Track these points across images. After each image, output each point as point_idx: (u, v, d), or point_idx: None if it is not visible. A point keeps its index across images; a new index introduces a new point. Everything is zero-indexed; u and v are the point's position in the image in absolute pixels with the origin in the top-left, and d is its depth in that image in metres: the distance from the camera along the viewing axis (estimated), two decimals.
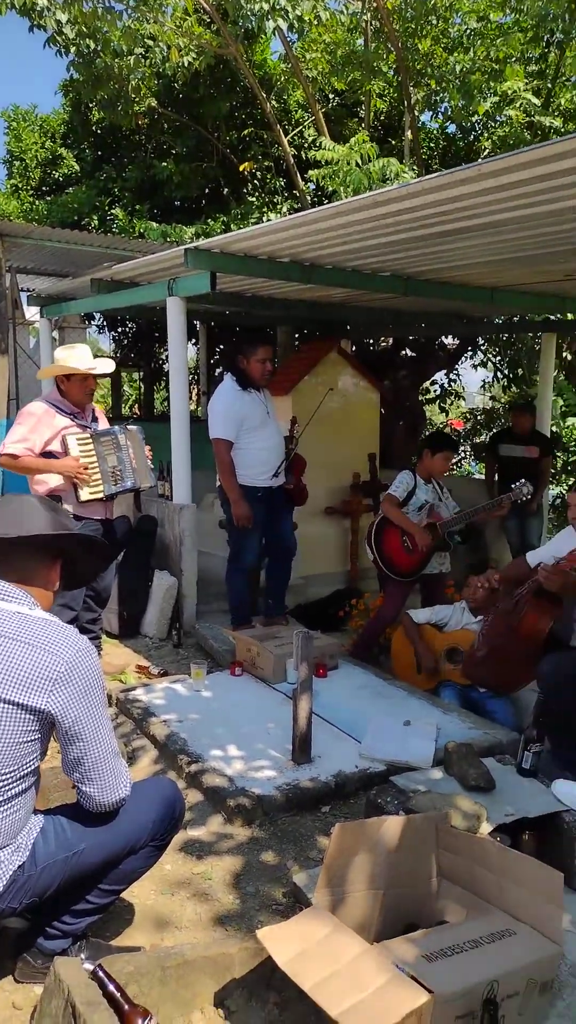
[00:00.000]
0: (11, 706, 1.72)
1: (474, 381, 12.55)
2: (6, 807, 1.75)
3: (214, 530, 5.83)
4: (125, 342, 13.17)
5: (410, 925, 1.97)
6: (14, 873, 1.78)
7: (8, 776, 1.74)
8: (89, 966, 1.86)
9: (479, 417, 11.74)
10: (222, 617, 5.02)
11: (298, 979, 1.60)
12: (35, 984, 1.95)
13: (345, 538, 6.29)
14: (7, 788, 1.75)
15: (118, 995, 1.66)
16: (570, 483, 8.08)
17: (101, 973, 1.69)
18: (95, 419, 4.10)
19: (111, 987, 1.67)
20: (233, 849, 2.63)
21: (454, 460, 12.44)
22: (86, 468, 3.81)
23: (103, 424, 4.13)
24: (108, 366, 3.98)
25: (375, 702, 3.72)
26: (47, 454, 3.82)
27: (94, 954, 1.98)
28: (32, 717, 1.74)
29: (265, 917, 2.28)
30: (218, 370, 12.19)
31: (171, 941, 2.17)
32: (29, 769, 1.79)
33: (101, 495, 3.91)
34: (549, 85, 7.83)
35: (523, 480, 4.35)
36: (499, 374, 11.09)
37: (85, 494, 3.84)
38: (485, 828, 2.26)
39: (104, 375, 4.08)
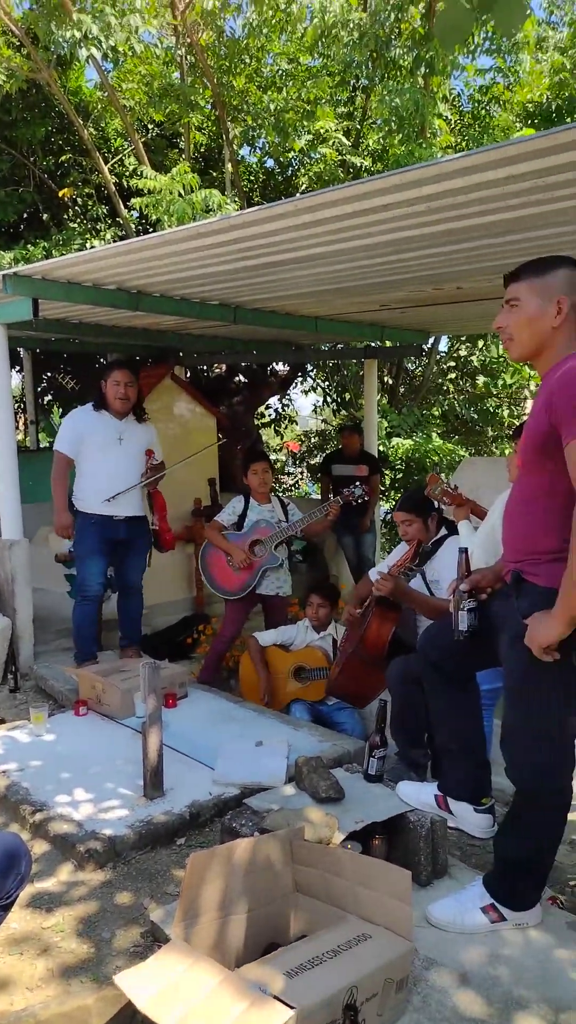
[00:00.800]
0: None
1: (306, 405, 13.01)
2: None
3: (50, 565, 5.61)
4: None
5: (271, 944, 1.99)
6: None
7: None
8: None
9: (312, 439, 12.15)
10: (64, 656, 4.83)
11: (159, 1019, 1.57)
12: None
13: (189, 564, 6.27)
14: None
15: None
16: (398, 499, 8.54)
17: None
18: None
19: None
20: (85, 896, 2.52)
21: (293, 482, 12.84)
22: None
23: None
24: None
25: (227, 727, 3.72)
26: None
27: None
28: None
29: (123, 961, 2.19)
30: (46, 398, 11.78)
31: (22, 1003, 2.04)
32: None
33: None
34: (358, 126, 8.33)
35: (356, 483, 4.45)
36: (328, 398, 11.57)
37: None
38: (339, 837, 2.32)
39: None
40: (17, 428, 12.68)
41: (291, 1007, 1.57)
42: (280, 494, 5.29)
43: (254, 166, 9.92)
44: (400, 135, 7.20)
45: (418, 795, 2.50)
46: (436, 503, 3.55)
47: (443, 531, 3.54)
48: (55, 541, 4.79)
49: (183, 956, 1.76)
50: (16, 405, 12.36)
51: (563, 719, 2.01)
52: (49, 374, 11.48)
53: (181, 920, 1.88)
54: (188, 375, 8.95)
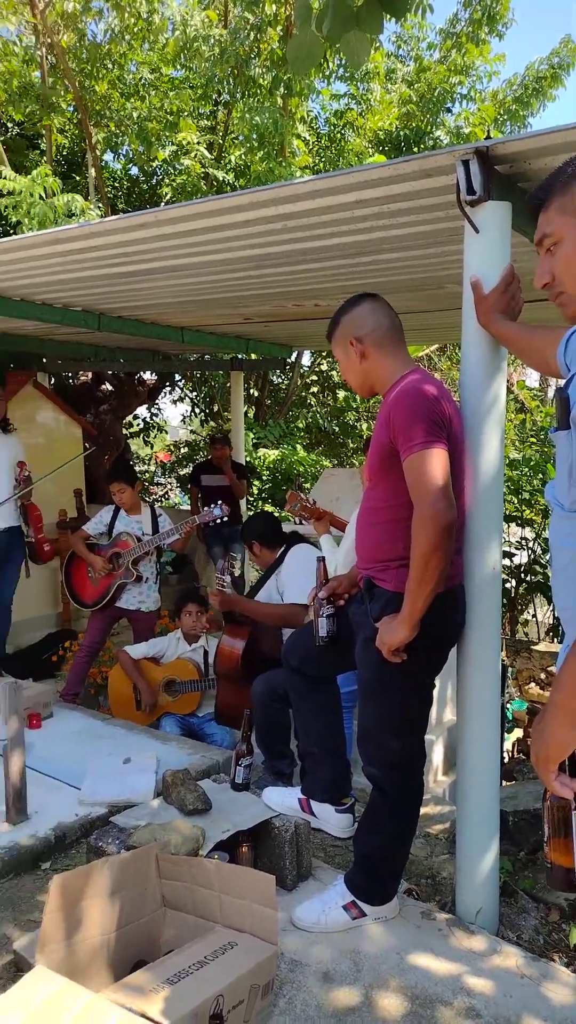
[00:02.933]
0: None
1: (176, 415, 12.93)
2: None
3: None
4: None
5: (139, 962, 1.97)
6: None
7: None
8: None
9: (183, 450, 12.10)
10: None
11: None
12: None
13: (55, 578, 6.08)
14: None
15: None
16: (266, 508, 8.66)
17: None
18: None
19: None
20: None
21: (163, 492, 12.71)
22: None
23: None
24: None
25: (94, 744, 3.64)
26: None
27: None
28: None
29: None
30: None
31: None
32: None
33: None
34: (221, 141, 8.41)
35: (218, 502, 4.41)
36: (196, 409, 11.57)
37: None
38: (207, 848, 2.34)
39: None
40: None
41: (158, 1023, 1.57)
42: (152, 504, 5.24)
43: (118, 173, 9.79)
44: (261, 152, 7.34)
45: (283, 800, 2.56)
46: (294, 519, 3.67)
47: (283, 548, 3.62)
48: None
49: (47, 982, 1.71)
50: None
51: (413, 717, 2.12)
52: None
53: (44, 945, 1.83)
54: (52, 382, 8.69)
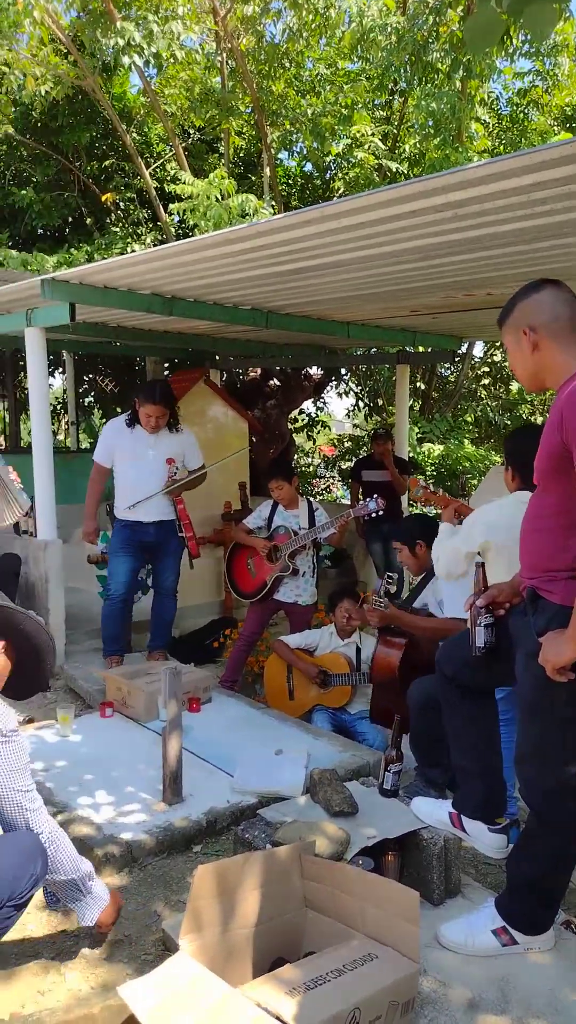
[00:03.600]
0: None
1: (341, 409, 12.98)
2: None
3: (83, 565, 5.68)
4: None
5: (278, 960, 1.98)
6: None
7: None
8: None
9: (346, 444, 12.11)
10: (94, 656, 4.89)
11: None
12: None
13: (218, 568, 6.29)
14: None
15: None
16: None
17: None
18: None
19: None
20: None
21: (324, 485, 12.80)
22: None
23: None
24: None
25: (248, 733, 3.73)
26: None
27: None
28: None
29: (134, 968, 2.21)
30: (87, 399, 11.94)
31: (33, 1006, 2.07)
32: None
33: None
34: (395, 131, 8.29)
35: (374, 496, 4.31)
36: (360, 403, 11.53)
37: None
38: (351, 852, 2.31)
39: None
40: (58, 429, 12.91)
41: None
42: (311, 498, 5.27)
43: (292, 170, 9.93)
44: (437, 139, 7.14)
45: (433, 812, 2.47)
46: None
47: None
48: (89, 543, 4.90)
49: (187, 969, 1.76)
50: (59, 407, 12.59)
51: None
52: (90, 376, 11.63)
53: (188, 931, 1.88)
54: (223, 378, 9.01)
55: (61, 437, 12.73)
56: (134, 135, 9.36)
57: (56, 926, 2.42)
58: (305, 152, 8.83)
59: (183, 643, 5.40)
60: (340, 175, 8.37)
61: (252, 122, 9.07)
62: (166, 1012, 1.61)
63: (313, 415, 11.47)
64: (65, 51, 8.43)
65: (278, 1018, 1.60)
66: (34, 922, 2.43)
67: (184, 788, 3.06)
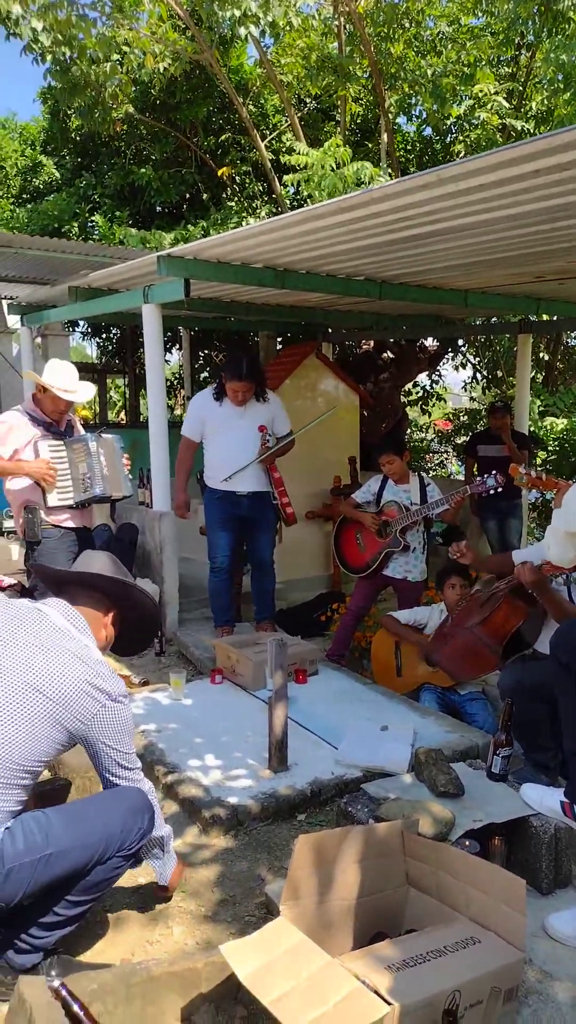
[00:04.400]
0: (54, 722, 1.94)
1: (457, 382, 12.61)
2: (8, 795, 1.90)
3: (197, 536, 5.84)
4: (109, 348, 13.16)
5: (378, 935, 1.98)
6: None
7: (34, 771, 1.95)
8: (56, 983, 1.85)
9: (462, 417, 11.78)
10: (206, 623, 5.02)
11: (259, 993, 1.60)
12: (3, 1002, 1.94)
13: (327, 542, 6.30)
14: (21, 780, 1.93)
15: (82, 1015, 1.65)
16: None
17: (65, 992, 1.68)
18: (71, 430, 4.11)
19: (75, 1007, 1.66)
20: (208, 860, 2.63)
21: (439, 460, 12.53)
22: (54, 471, 3.82)
23: (79, 432, 4.15)
24: (83, 396, 4.01)
25: (354, 707, 3.73)
26: (16, 462, 3.83)
27: (63, 971, 1.97)
28: (62, 733, 1.97)
29: (237, 928, 2.27)
30: (203, 375, 12.18)
31: (142, 955, 2.17)
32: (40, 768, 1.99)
33: (70, 501, 3.91)
34: (521, 87, 7.86)
35: (493, 472, 4.12)
36: (479, 375, 11.15)
37: (53, 499, 3.85)
38: (455, 834, 2.27)
39: (76, 402, 4.09)
40: (175, 404, 13.27)
41: (389, 1003, 1.56)
42: (423, 473, 5.17)
43: (411, 135, 9.64)
44: (567, 94, 6.71)
45: (543, 800, 2.39)
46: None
47: None
48: (180, 516, 4.97)
49: (288, 935, 1.79)
50: (175, 381, 12.93)
51: None
52: (205, 351, 11.85)
53: (289, 898, 1.91)
54: (336, 352, 8.93)
55: (178, 412, 13.07)
56: (250, 107, 9.35)
57: None
58: (425, 115, 8.54)
59: (290, 615, 5.46)
60: (461, 138, 8.05)
61: (370, 87, 8.85)
62: (267, 976, 1.64)
63: (428, 388, 11.21)
64: (183, 26, 8.50)
65: (376, 992, 1.59)
66: (144, 875, 2.53)
67: (289, 757, 3.10)
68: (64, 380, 3.89)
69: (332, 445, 6.40)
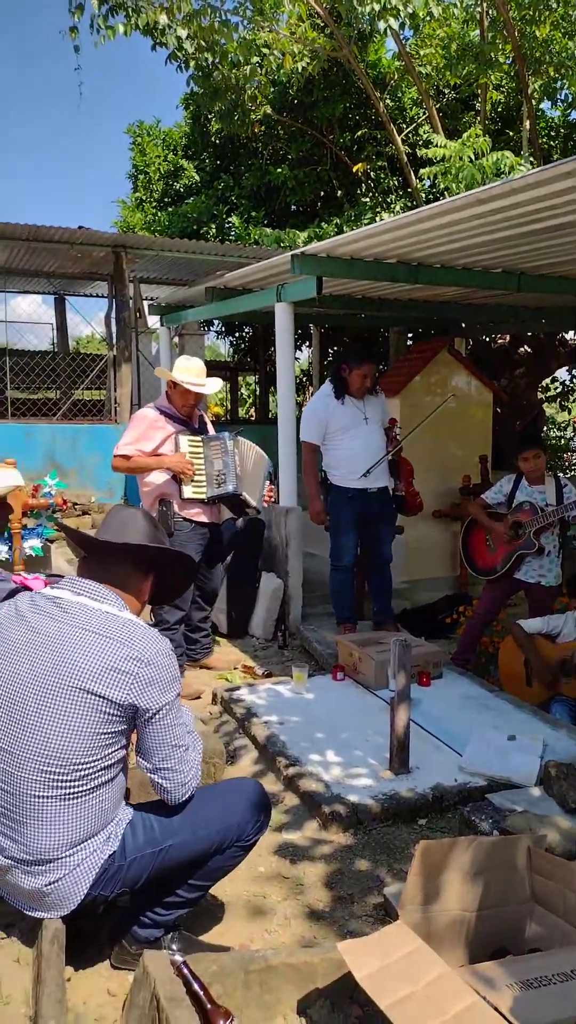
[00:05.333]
0: (91, 696, 1.82)
1: None
2: (95, 795, 1.86)
3: (321, 532, 5.87)
4: (242, 346, 13.46)
5: (499, 950, 1.91)
6: (105, 862, 1.87)
7: (93, 764, 1.84)
8: (178, 959, 1.92)
9: None
10: (328, 619, 5.04)
11: (375, 996, 1.59)
12: (129, 971, 2.03)
13: (454, 542, 6.16)
14: (94, 776, 1.85)
15: (201, 994, 1.70)
16: None
17: (186, 971, 1.74)
18: (203, 426, 4.23)
19: (195, 986, 1.71)
20: (327, 856, 2.64)
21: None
22: (192, 464, 3.95)
23: (211, 429, 4.26)
24: (213, 387, 4.12)
25: (479, 714, 3.63)
26: (157, 456, 3.98)
27: (184, 947, 2.04)
28: (111, 708, 1.83)
29: (354, 926, 2.27)
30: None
31: (259, 943, 2.21)
32: (114, 759, 1.88)
33: (203, 496, 4.02)
34: None
35: None
36: None
37: (188, 491, 3.97)
38: None
39: (206, 394, 4.22)
40: (303, 401, 13.39)
41: (511, 1022, 1.50)
42: (560, 474, 4.94)
43: (555, 121, 9.23)
44: None
45: None
46: None
47: None
48: (319, 524, 4.98)
49: (407, 939, 1.76)
50: (304, 379, 13.05)
51: None
52: (335, 348, 11.89)
53: (409, 903, 1.88)
54: (469, 346, 8.71)
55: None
56: (387, 101, 9.28)
57: (284, 871, 2.55)
58: (571, 99, 8.15)
59: (414, 616, 5.38)
60: None
61: (512, 73, 8.54)
62: (384, 979, 1.62)
63: (568, 383, 10.72)
64: (322, 24, 8.54)
65: (496, 1009, 1.54)
66: (264, 865, 2.58)
67: (410, 760, 3.06)
68: (192, 375, 4.00)
69: (462, 443, 6.25)
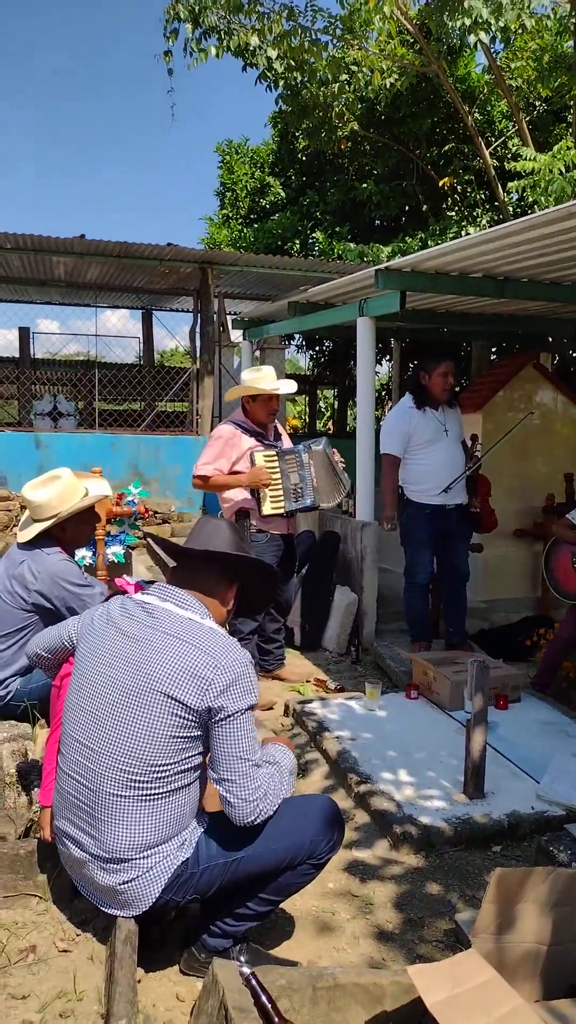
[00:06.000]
0: (169, 699, 1.85)
1: None
2: (171, 799, 1.89)
3: (397, 547, 5.82)
4: (322, 360, 13.54)
5: (574, 987, 1.84)
6: (179, 868, 1.89)
7: (168, 768, 1.87)
8: (246, 970, 1.93)
9: None
10: (401, 636, 4.99)
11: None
12: (198, 978, 2.05)
13: (536, 563, 5.99)
14: (170, 780, 1.87)
15: (269, 1007, 1.70)
16: None
17: (255, 982, 1.74)
18: (279, 437, 4.26)
19: (263, 998, 1.71)
20: (397, 876, 2.60)
21: None
22: (271, 478, 3.98)
23: (286, 443, 4.29)
24: (290, 387, 4.16)
25: (559, 741, 3.51)
26: (235, 473, 4.04)
27: (252, 959, 2.04)
28: (188, 713, 1.85)
29: (423, 951, 2.23)
30: None
31: (327, 960, 2.19)
32: (190, 765, 1.91)
33: (282, 511, 4.04)
34: None
35: None
36: None
37: (267, 508, 4.00)
38: None
39: (288, 395, 4.26)
40: (382, 415, 13.34)
41: None
42: None
43: None
44: None
45: None
46: None
47: None
48: (389, 530, 4.93)
49: (479, 969, 1.72)
50: (384, 393, 13.01)
51: None
52: (415, 362, 11.81)
53: (482, 932, 1.83)
54: (556, 361, 8.49)
55: None
56: (476, 115, 9.20)
57: (354, 890, 2.53)
58: None
59: (492, 636, 5.25)
60: None
61: None
62: (456, 1008, 1.59)
63: None
64: (411, 40, 8.55)
65: None
66: (333, 882, 2.56)
67: (486, 784, 2.99)
68: (266, 381, 4.03)
69: (547, 460, 6.09)
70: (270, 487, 4.00)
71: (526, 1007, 1.60)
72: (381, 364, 12.30)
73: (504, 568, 5.94)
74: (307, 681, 4.47)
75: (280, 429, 4.35)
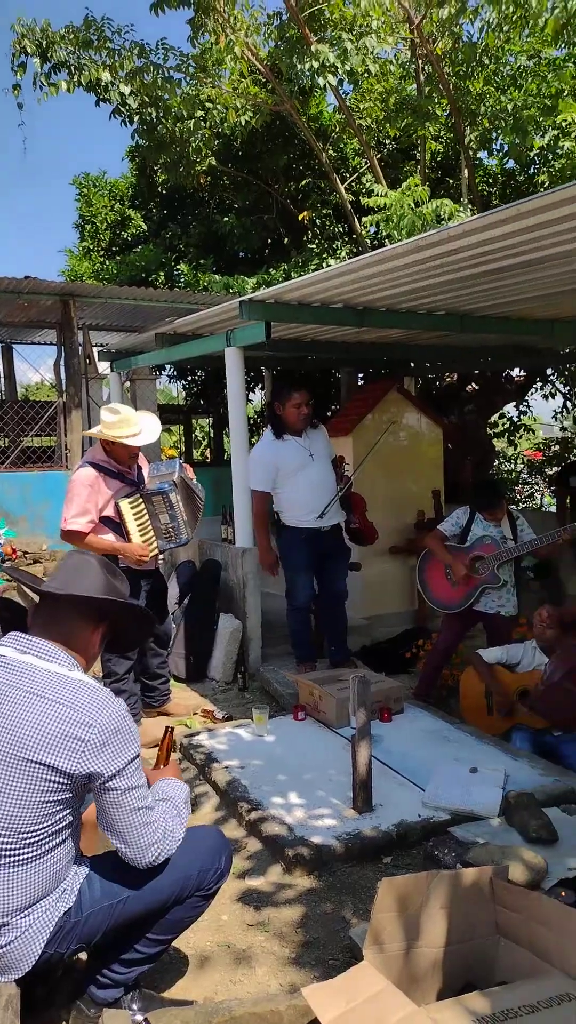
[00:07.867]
0: (39, 766, 1.73)
1: (548, 411, 12.35)
2: (45, 859, 1.78)
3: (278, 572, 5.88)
4: (195, 389, 13.55)
5: (467, 986, 1.90)
6: (60, 919, 1.80)
7: (41, 832, 1.76)
8: (139, 1018, 1.86)
9: (554, 448, 11.49)
10: (288, 659, 5.01)
11: None
12: None
13: (411, 577, 6.21)
14: (43, 843, 1.77)
15: None
16: None
17: None
18: (140, 472, 4.06)
19: None
20: (291, 900, 2.59)
21: (528, 492, 12.21)
22: (147, 554, 3.85)
23: (146, 470, 4.10)
24: (150, 436, 3.90)
25: (441, 747, 3.63)
26: (105, 518, 3.84)
27: (145, 1006, 1.97)
28: (62, 777, 1.74)
29: (321, 972, 2.23)
30: None
31: (224, 994, 2.15)
32: (63, 824, 1.81)
33: (155, 552, 3.96)
34: None
35: None
36: (569, 404, 10.87)
37: (132, 564, 3.85)
38: (548, 883, 2.16)
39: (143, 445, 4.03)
40: (257, 442, 13.50)
41: None
42: (512, 507, 5.05)
43: (492, 169, 9.64)
44: None
45: None
46: None
47: None
48: (272, 575, 4.94)
49: (372, 980, 1.74)
50: (257, 421, 13.16)
51: None
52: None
53: (373, 943, 1.86)
54: (418, 385, 8.91)
55: None
56: (330, 152, 9.58)
57: (248, 919, 2.50)
58: (506, 149, 8.53)
59: (374, 652, 5.39)
60: (544, 168, 7.99)
61: (449, 125, 8.93)
62: (350, 1023, 1.60)
63: (515, 419, 11.02)
64: (263, 80, 8.83)
65: None
66: (227, 914, 2.52)
67: (374, 798, 3.04)
68: (124, 428, 3.80)
69: (415, 479, 6.36)
70: (149, 549, 3.87)
71: (419, 1012, 1.63)
72: (254, 392, 12.46)
73: (382, 585, 6.12)
74: (194, 713, 4.41)
75: (142, 462, 4.13)
